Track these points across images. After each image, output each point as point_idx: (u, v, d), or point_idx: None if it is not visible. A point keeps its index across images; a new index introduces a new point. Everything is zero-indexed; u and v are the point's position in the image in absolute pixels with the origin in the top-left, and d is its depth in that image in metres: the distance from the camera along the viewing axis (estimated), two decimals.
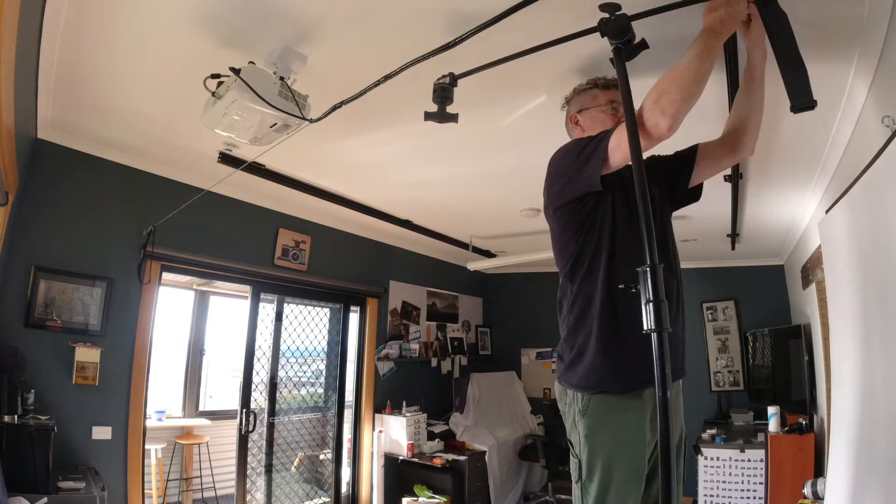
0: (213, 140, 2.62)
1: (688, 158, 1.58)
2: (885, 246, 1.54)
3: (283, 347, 3.97)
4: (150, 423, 3.71)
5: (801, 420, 3.56)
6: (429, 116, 1.39)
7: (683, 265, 5.09)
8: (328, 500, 4.22)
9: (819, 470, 3.19)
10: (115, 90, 2.21)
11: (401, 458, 4.36)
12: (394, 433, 4.43)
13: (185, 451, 4.75)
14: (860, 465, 1.76)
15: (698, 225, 3.97)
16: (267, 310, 3.88)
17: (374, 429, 4.47)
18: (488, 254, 5.29)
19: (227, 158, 2.88)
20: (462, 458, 4.32)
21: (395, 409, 4.56)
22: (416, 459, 4.31)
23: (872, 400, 1.66)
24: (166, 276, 3.19)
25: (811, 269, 3.38)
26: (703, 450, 4.10)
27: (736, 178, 2.82)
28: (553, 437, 5.63)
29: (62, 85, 2.15)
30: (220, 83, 1.84)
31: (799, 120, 2.02)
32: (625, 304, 1.32)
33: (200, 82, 1.87)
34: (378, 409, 4.57)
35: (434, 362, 5.40)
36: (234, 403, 3.78)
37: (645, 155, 1.18)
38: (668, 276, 1.31)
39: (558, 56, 1.87)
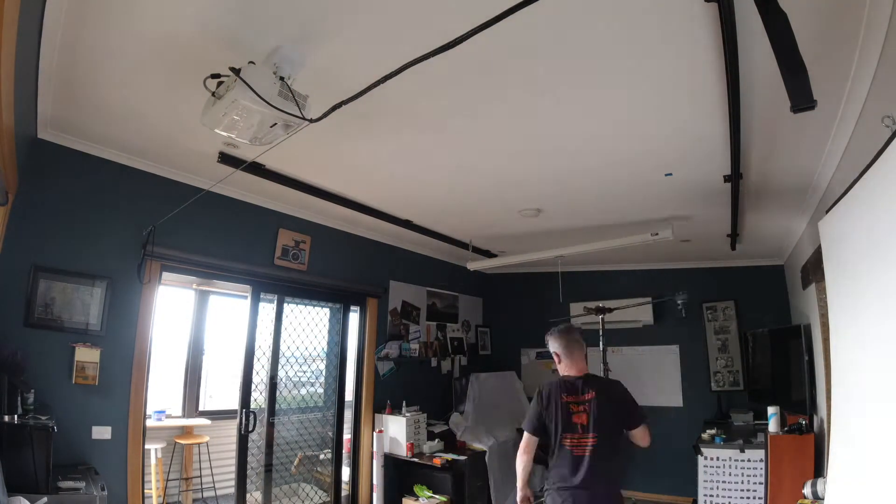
0: (213, 140, 2.62)
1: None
2: (886, 246, 1.54)
3: (282, 347, 3.97)
4: (150, 423, 3.71)
5: (801, 420, 3.56)
6: None
7: (684, 265, 5.21)
8: (328, 500, 4.22)
9: (819, 470, 3.19)
10: (114, 90, 2.21)
11: (401, 458, 4.36)
12: (394, 433, 4.43)
13: (185, 450, 4.75)
14: (860, 465, 1.76)
15: (698, 225, 3.97)
16: (267, 310, 3.88)
17: (373, 429, 4.47)
18: (488, 254, 5.29)
19: (227, 158, 2.88)
20: (462, 458, 4.32)
21: (395, 409, 4.55)
22: (415, 459, 4.31)
23: (873, 399, 1.66)
24: (166, 275, 3.19)
25: (811, 269, 3.38)
26: (703, 450, 4.10)
27: (736, 178, 2.82)
28: None
29: (62, 85, 2.14)
30: (220, 83, 1.84)
31: (799, 120, 2.02)
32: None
33: (200, 82, 1.87)
34: (378, 409, 4.57)
35: (434, 362, 5.40)
36: (234, 403, 3.78)
37: None
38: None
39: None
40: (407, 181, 3.31)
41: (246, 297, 3.78)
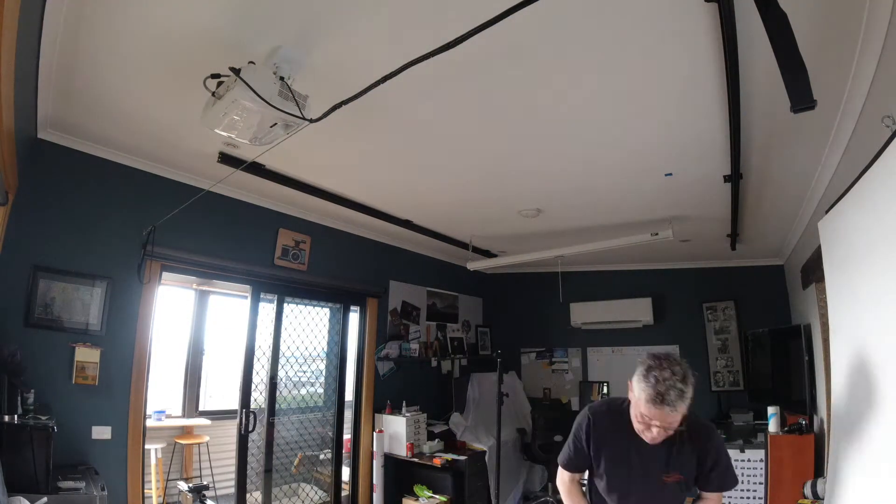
0: (213, 140, 2.62)
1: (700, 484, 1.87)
2: (885, 245, 1.54)
3: (282, 347, 3.96)
4: (150, 423, 3.71)
5: (801, 420, 3.56)
6: None
7: (684, 265, 5.18)
8: (328, 500, 4.22)
9: (819, 470, 3.19)
10: (115, 90, 2.21)
11: (401, 458, 4.36)
12: (394, 433, 4.43)
13: (185, 450, 4.75)
14: (860, 465, 1.76)
15: (698, 225, 3.97)
16: (267, 310, 3.88)
17: (373, 429, 4.47)
18: (488, 254, 5.29)
19: (227, 158, 2.88)
20: (462, 458, 4.31)
21: (395, 409, 4.55)
22: (415, 459, 4.31)
23: (873, 400, 1.66)
24: (166, 275, 3.19)
25: (811, 269, 3.38)
26: None
27: (736, 178, 2.82)
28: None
29: (62, 85, 2.14)
30: (220, 83, 1.84)
31: (799, 120, 2.02)
32: None
33: (200, 82, 1.87)
34: (378, 409, 4.57)
35: (434, 362, 5.39)
36: (234, 403, 3.78)
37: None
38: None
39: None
40: (407, 181, 3.31)
41: (246, 297, 3.78)
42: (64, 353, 2.64)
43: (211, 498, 4.54)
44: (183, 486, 2.37)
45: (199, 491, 2.29)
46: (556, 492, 5.28)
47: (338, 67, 1.96)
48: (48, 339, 2.59)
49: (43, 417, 2.24)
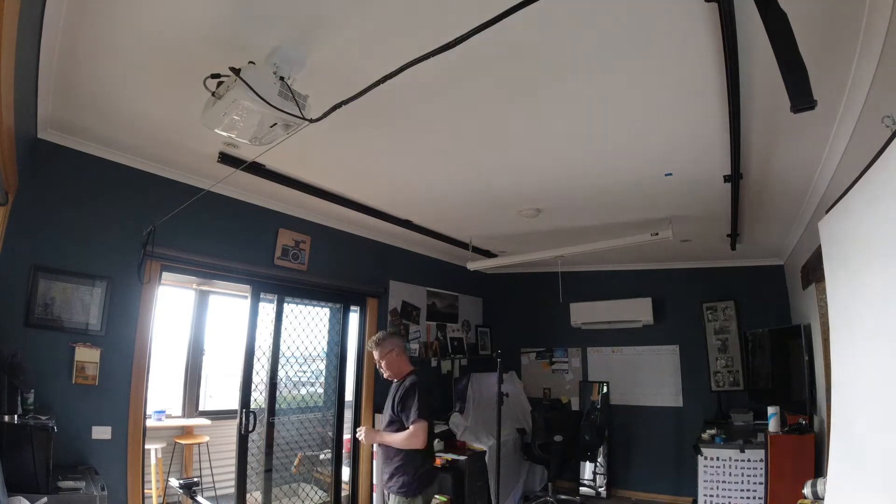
0: (213, 140, 2.62)
1: None
2: (886, 245, 1.54)
3: (282, 347, 3.96)
4: (150, 422, 3.72)
5: (801, 420, 3.56)
6: None
7: (684, 265, 5.24)
8: (328, 500, 4.22)
9: (819, 470, 3.19)
10: (115, 90, 2.21)
11: None
12: None
13: (184, 451, 4.75)
14: (860, 465, 1.76)
15: (698, 225, 3.97)
16: (267, 310, 3.88)
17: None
18: (488, 254, 5.29)
19: (227, 158, 2.88)
20: (462, 458, 4.32)
21: None
22: None
23: (873, 400, 1.66)
24: (166, 275, 3.19)
25: (811, 269, 3.38)
26: (703, 450, 4.10)
27: (736, 178, 2.82)
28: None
29: (62, 85, 2.14)
30: (220, 83, 1.84)
31: (799, 120, 2.02)
32: None
33: (200, 82, 1.87)
34: (378, 408, 4.56)
35: (434, 362, 5.40)
36: (234, 403, 3.78)
37: None
38: None
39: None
40: (407, 181, 3.31)
41: (246, 297, 3.78)
42: (64, 353, 2.64)
43: (211, 498, 4.55)
44: (174, 482, 2.37)
45: (189, 487, 2.31)
46: (556, 492, 5.30)
47: (338, 67, 1.96)
48: (48, 339, 2.59)
49: (43, 417, 2.24)
